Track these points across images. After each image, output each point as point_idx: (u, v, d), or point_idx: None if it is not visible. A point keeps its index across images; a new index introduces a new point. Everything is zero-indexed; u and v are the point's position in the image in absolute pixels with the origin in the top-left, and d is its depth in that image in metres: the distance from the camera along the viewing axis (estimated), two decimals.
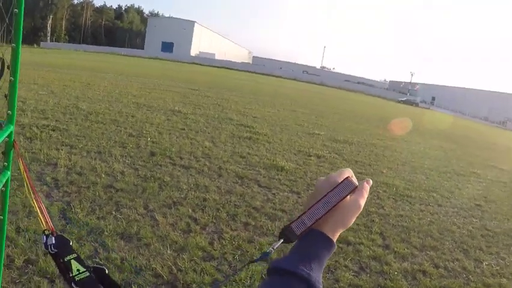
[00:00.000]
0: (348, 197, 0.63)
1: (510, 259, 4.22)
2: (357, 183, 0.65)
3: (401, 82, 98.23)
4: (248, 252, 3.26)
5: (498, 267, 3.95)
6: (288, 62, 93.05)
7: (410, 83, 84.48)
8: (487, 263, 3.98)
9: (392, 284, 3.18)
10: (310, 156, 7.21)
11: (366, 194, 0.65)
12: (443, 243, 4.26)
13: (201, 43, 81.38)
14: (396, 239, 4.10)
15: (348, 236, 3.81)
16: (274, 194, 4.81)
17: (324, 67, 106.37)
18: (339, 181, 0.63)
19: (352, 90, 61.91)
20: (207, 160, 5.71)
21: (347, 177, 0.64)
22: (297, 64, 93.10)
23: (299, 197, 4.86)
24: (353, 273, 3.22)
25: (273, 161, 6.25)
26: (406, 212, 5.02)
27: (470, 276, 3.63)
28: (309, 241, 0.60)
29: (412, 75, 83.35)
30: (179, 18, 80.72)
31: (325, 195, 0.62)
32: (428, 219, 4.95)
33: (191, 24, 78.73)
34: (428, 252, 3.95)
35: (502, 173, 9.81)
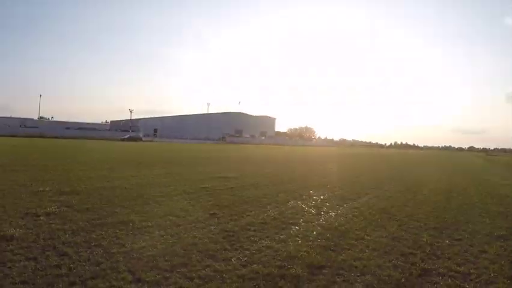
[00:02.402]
0: None
1: (253, 247, 4.95)
2: None
3: (121, 120, 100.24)
4: None
5: (246, 258, 4.53)
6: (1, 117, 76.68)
7: (131, 120, 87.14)
8: (235, 258, 4.49)
9: None
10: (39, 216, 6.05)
11: None
12: (190, 257, 4.48)
13: None
14: (147, 270, 4.00)
15: None
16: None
17: (42, 117, 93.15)
18: None
19: (74, 137, 58.26)
20: None
21: None
22: (13, 118, 78.00)
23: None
24: None
25: None
26: (148, 242, 4.93)
27: (224, 275, 3.97)
28: None
29: (131, 112, 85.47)
30: None
31: None
32: (170, 241, 5.06)
33: None
34: (179, 270, 4.05)
35: (229, 180, 11.65)
